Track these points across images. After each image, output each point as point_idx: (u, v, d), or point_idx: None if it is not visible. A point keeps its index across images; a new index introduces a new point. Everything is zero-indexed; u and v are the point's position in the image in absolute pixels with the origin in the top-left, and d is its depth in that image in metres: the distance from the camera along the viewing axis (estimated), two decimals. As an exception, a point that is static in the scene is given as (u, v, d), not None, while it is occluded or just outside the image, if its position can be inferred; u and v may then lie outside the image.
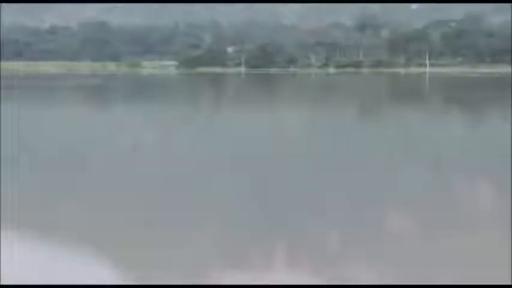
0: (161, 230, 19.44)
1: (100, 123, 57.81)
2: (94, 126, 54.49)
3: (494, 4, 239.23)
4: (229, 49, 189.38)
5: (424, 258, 16.58)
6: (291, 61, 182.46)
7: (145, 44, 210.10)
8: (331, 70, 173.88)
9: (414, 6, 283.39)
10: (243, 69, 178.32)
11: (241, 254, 17.10)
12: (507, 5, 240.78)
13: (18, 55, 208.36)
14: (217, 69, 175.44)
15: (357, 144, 40.08)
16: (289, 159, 33.85)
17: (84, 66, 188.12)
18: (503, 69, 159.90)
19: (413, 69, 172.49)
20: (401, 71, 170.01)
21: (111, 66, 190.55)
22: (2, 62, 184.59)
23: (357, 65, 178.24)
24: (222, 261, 16.51)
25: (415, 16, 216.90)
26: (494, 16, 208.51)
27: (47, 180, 28.42)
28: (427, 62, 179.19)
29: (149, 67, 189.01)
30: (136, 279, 15.29)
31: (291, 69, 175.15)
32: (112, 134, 48.11)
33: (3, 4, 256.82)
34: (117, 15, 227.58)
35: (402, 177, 28.41)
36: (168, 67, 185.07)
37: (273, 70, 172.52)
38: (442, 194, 24.50)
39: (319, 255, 16.92)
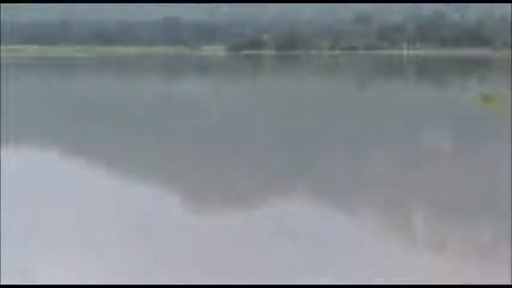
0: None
1: (183, 85, 66.39)
2: (181, 88, 63.45)
3: (455, 5, 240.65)
4: (264, 37, 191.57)
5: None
6: (308, 45, 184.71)
7: (203, 33, 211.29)
8: (337, 52, 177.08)
9: (396, 8, 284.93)
10: (273, 51, 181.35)
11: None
12: (465, 5, 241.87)
13: (109, 42, 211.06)
14: (255, 52, 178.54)
15: (357, 99, 49.51)
16: (311, 104, 43.50)
17: (159, 50, 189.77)
18: (460, 52, 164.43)
19: (395, 52, 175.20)
20: (387, 52, 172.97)
21: (179, 50, 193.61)
22: (99, 47, 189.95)
23: (355, 48, 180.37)
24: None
25: (397, 13, 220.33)
26: (455, 14, 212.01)
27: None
28: (405, 46, 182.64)
29: (206, 50, 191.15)
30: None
31: (308, 52, 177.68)
32: (199, 90, 57.39)
33: (86, 5, 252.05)
34: (184, 13, 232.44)
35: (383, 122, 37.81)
36: (220, 50, 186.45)
37: (295, 52, 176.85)
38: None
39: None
